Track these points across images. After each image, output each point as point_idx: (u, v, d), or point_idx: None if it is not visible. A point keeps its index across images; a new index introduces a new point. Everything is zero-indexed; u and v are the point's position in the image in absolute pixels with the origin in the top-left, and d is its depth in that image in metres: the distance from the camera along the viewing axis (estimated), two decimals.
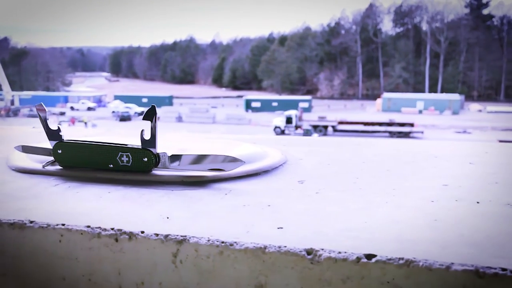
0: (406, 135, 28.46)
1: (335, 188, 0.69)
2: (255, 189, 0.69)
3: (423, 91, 53.82)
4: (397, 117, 34.98)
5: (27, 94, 47.11)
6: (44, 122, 0.77)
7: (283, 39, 71.76)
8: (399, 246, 0.48)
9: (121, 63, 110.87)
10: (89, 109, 44.84)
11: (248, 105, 45.51)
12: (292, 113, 31.26)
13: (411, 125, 30.21)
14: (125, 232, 0.53)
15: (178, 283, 0.52)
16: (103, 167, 0.76)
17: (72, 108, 44.67)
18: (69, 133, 1.06)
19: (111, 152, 0.75)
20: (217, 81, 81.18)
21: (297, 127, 29.79)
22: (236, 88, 75.10)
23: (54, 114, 36.97)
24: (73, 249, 0.55)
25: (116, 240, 0.53)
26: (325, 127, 30.20)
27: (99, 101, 49.86)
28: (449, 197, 0.64)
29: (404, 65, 56.69)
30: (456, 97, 43.61)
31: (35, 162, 0.83)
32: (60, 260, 0.56)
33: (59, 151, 0.77)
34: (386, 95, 45.71)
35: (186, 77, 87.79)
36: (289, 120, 30.37)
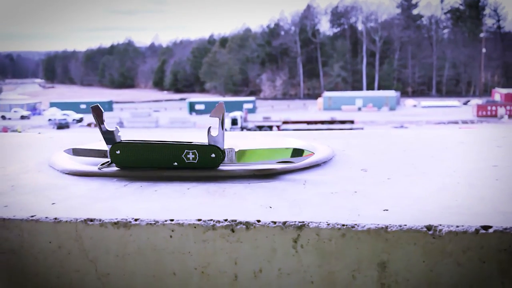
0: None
1: (403, 174, 0.73)
2: (326, 179, 0.72)
3: (361, 89, 55.81)
4: (338, 115, 36.11)
5: None
6: (100, 124, 0.77)
7: (224, 41, 71.80)
8: (503, 217, 0.53)
9: (55, 69, 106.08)
10: (23, 117, 42.51)
11: (192, 107, 45.15)
12: (237, 114, 31.42)
13: (352, 122, 31.37)
14: (241, 222, 0.55)
15: (298, 267, 0.54)
16: (167, 166, 0.76)
17: (3, 117, 42.19)
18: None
19: (177, 150, 0.75)
20: (158, 85, 79.79)
21: (242, 128, 29.98)
22: (178, 91, 74.20)
23: None
24: (186, 243, 0.56)
25: (233, 230, 0.55)
26: (270, 127, 30.57)
27: (34, 109, 47.49)
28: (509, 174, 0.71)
29: (342, 65, 58.53)
30: (392, 93, 45.60)
31: (82, 164, 0.82)
32: (170, 255, 0.56)
33: (118, 152, 0.77)
34: (326, 94, 46.99)
35: (126, 81, 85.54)
36: (234, 122, 30.52)
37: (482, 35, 56.41)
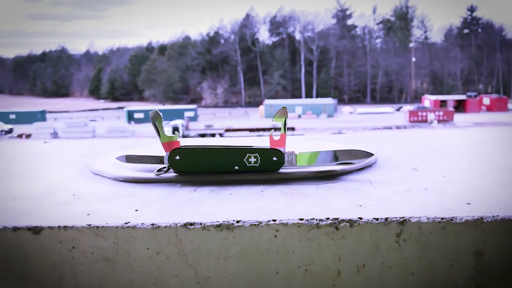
0: None
1: (454, 172, 0.79)
2: (387, 178, 0.76)
3: (300, 96, 57.06)
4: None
5: None
6: (159, 129, 0.76)
7: (163, 48, 70.83)
8: None
9: None
10: None
11: (130, 116, 43.97)
12: (179, 122, 31.10)
13: (293, 129, 32.00)
14: (343, 220, 0.57)
15: (400, 260, 0.57)
16: (228, 170, 0.77)
17: None
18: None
19: (239, 154, 0.76)
20: (95, 93, 77.10)
21: (184, 136, 29.68)
22: (115, 99, 72.13)
23: None
24: (290, 242, 0.57)
25: (337, 228, 0.57)
26: (213, 135, 30.52)
27: None
28: None
29: (282, 73, 59.61)
30: (330, 101, 46.96)
31: (133, 171, 0.81)
32: (274, 255, 0.58)
33: (177, 157, 0.77)
34: (267, 101, 47.57)
35: (60, 90, 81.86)
36: (175, 130, 30.15)
37: (411, 45, 59.68)
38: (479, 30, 64.46)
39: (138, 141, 1.21)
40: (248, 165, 0.76)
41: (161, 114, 0.77)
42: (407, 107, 44.75)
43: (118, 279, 0.58)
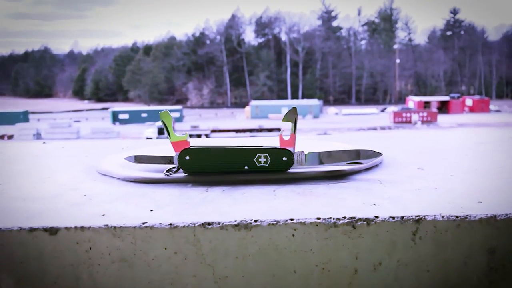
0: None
1: (460, 171, 0.80)
2: (395, 178, 0.77)
3: (286, 97, 57.26)
4: (265, 123, 36.76)
5: None
6: (168, 129, 0.76)
7: (148, 49, 70.39)
8: None
9: None
10: None
11: (115, 117, 43.56)
12: None
13: (278, 130, 32.09)
14: (360, 219, 0.58)
15: (415, 258, 0.58)
16: (237, 170, 0.77)
17: None
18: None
19: (249, 154, 0.76)
20: (79, 94, 76.28)
21: None
22: (100, 100, 71.46)
23: None
24: (308, 241, 0.58)
25: (354, 227, 0.58)
26: (199, 136, 30.40)
27: None
28: None
29: (268, 74, 59.73)
30: (315, 102, 47.21)
31: (142, 171, 0.80)
32: (292, 253, 0.58)
33: (187, 158, 0.77)
34: (253, 102, 47.61)
35: (43, 90, 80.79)
36: (161, 131, 29.98)
37: (395, 46, 60.35)
38: (462, 32, 65.48)
39: (138, 142, 1.21)
40: (258, 165, 0.77)
41: (170, 114, 0.76)
42: (392, 108, 45.20)
43: (136, 280, 0.58)
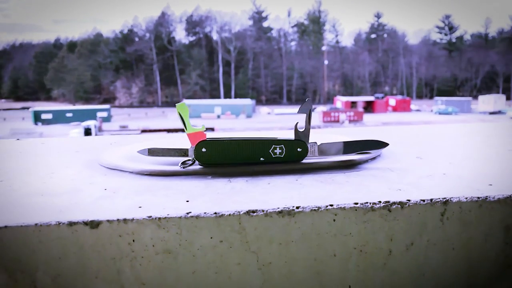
0: None
1: (458, 159, 0.87)
2: (402, 166, 0.82)
3: (219, 97, 57.26)
4: (198, 122, 36.57)
5: None
6: (185, 121, 0.76)
7: (72, 45, 67.28)
8: None
9: None
10: None
11: (37, 117, 41.11)
12: (91, 123, 29.72)
13: (212, 129, 32.02)
14: (395, 202, 0.62)
15: (443, 237, 0.63)
16: (253, 161, 0.78)
17: None
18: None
19: (264, 146, 0.78)
20: None
21: None
22: (19, 99, 67.25)
23: None
24: (347, 225, 0.61)
25: (389, 210, 0.61)
26: None
27: None
28: None
29: (199, 73, 59.35)
30: (248, 102, 47.68)
31: (154, 164, 0.79)
32: (332, 238, 0.60)
33: (203, 150, 0.76)
34: (185, 101, 47.11)
35: None
36: (87, 132, 28.79)
37: (323, 48, 62.42)
38: (385, 35, 69.04)
39: (125, 138, 1.17)
40: (273, 156, 0.78)
41: (187, 106, 0.76)
42: (321, 108, 46.70)
43: (180, 270, 0.58)
